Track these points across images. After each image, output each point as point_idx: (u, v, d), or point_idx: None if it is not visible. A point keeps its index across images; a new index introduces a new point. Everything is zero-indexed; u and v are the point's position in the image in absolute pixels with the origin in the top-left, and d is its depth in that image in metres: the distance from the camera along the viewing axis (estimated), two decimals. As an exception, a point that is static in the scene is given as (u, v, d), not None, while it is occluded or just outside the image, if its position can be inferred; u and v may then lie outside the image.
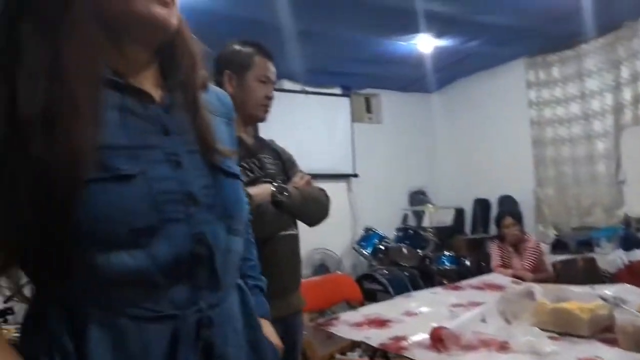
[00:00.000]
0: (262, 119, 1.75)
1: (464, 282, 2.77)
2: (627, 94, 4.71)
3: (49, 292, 0.70)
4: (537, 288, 1.93)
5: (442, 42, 4.82)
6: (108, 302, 0.68)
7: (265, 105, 1.72)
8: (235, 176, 0.83)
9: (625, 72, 4.72)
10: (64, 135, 0.62)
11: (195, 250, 0.72)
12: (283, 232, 1.70)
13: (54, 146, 0.61)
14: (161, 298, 0.70)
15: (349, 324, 1.97)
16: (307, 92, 5.65)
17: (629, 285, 2.36)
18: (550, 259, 4.62)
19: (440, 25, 4.32)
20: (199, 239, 0.72)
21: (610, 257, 4.35)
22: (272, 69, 1.73)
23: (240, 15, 3.70)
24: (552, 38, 4.95)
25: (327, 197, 1.80)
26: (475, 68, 5.92)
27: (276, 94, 1.81)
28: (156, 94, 0.77)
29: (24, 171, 0.61)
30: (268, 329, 1.00)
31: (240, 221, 0.83)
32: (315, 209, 1.76)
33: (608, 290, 2.26)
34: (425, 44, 4.80)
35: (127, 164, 0.67)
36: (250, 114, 1.71)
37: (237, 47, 1.72)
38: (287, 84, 5.47)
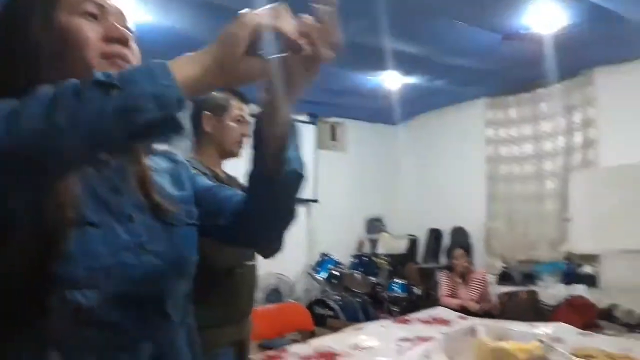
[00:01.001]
0: (237, 155, 1.87)
1: (412, 316, 2.87)
2: (578, 138, 4.98)
3: (11, 335, 0.72)
4: (481, 327, 2.04)
5: (409, 80, 4.99)
6: (67, 342, 0.72)
7: (240, 142, 1.86)
8: (188, 225, 0.90)
9: (577, 118, 4.99)
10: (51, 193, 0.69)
11: (144, 292, 0.78)
12: (247, 262, 1.82)
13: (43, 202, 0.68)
14: (116, 334, 0.75)
15: (299, 357, 2.03)
16: (272, 118, 5.68)
17: (567, 325, 2.52)
18: (497, 289, 4.82)
19: (407, 64, 4.47)
20: (149, 282, 0.79)
21: (552, 290, 4.54)
22: (246, 110, 1.87)
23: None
24: (512, 81, 5.19)
25: None
26: (440, 104, 6.11)
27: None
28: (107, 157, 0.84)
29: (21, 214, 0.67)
30: None
31: (191, 265, 0.89)
32: None
33: (547, 328, 2.41)
34: (392, 80, 4.96)
35: (91, 215, 0.75)
36: (228, 150, 1.85)
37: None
38: (253, 109, 5.46)
